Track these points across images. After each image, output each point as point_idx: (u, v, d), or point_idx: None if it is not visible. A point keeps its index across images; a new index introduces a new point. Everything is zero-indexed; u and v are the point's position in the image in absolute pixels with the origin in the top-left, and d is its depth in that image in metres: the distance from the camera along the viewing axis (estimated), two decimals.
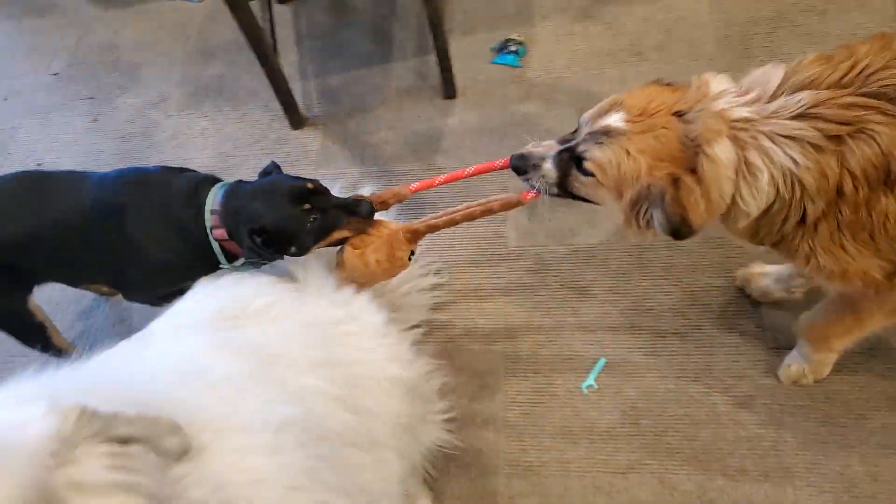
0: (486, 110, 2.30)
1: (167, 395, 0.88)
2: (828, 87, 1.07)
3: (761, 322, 1.76)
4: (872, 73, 1.05)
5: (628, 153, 1.17)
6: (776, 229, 1.18)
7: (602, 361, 1.78)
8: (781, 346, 1.70)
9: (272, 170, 1.46)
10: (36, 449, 0.61)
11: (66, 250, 1.51)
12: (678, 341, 1.77)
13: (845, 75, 1.07)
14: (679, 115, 1.17)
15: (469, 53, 2.42)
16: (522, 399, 1.77)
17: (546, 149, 1.33)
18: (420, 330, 1.69)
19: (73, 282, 1.78)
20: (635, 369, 1.76)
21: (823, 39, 2.17)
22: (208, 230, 1.40)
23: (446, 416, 1.57)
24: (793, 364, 1.65)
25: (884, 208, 1.07)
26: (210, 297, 1.29)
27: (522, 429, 1.73)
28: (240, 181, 1.47)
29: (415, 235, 1.47)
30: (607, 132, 1.20)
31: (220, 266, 1.45)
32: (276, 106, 2.36)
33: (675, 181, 1.14)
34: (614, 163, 1.19)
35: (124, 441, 0.68)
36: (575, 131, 1.30)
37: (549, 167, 1.32)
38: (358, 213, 1.42)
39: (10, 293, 1.65)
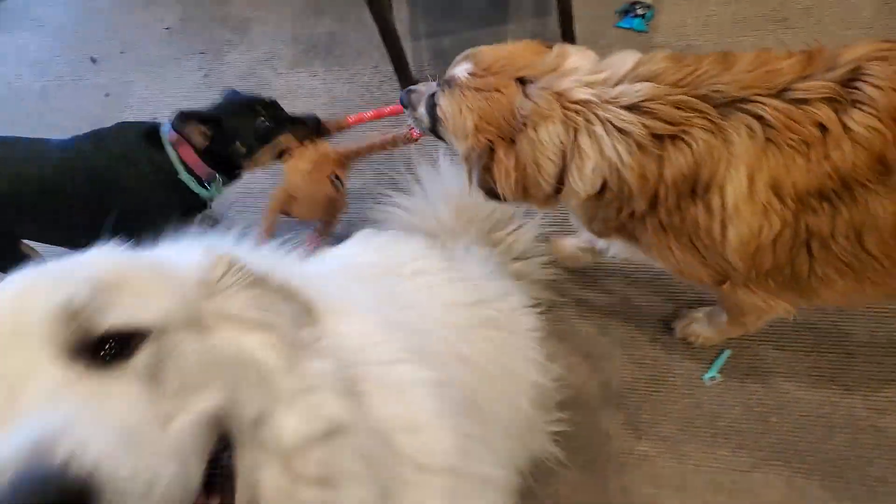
0: None
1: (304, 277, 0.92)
2: (667, 84, 1.07)
3: None
4: (708, 79, 1.05)
5: (460, 109, 1.19)
6: (613, 215, 1.18)
7: (727, 353, 1.67)
8: None
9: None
10: (188, 275, 0.69)
11: (43, 210, 1.66)
12: (813, 337, 1.65)
13: (685, 77, 1.07)
14: (523, 81, 1.16)
15: (591, 16, 2.28)
16: (640, 385, 1.69)
17: (427, 89, 1.36)
18: (539, 308, 1.63)
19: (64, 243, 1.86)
20: (763, 363, 1.65)
21: None
22: (165, 142, 1.62)
23: (558, 429, 1.52)
24: (695, 323, 1.64)
25: (693, 216, 1.08)
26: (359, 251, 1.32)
27: (638, 416, 1.66)
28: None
29: (339, 158, 1.66)
30: (450, 82, 1.23)
31: (189, 191, 1.66)
32: (387, 67, 2.30)
33: (491, 151, 1.17)
34: (451, 114, 1.22)
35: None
36: None
37: (422, 111, 1.36)
38: (304, 123, 1.63)
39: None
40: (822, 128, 0.97)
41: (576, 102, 1.10)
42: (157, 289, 0.64)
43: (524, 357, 1.27)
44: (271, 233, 1.68)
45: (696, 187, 1.05)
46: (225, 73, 2.60)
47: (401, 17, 2.49)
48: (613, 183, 1.10)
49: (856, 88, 0.97)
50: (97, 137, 1.69)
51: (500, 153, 1.16)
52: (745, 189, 1.02)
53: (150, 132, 1.65)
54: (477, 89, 1.17)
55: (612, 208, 1.16)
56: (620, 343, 1.76)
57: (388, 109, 1.86)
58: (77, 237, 1.84)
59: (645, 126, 1.05)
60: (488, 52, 1.22)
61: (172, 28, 2.81)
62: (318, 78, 2.47)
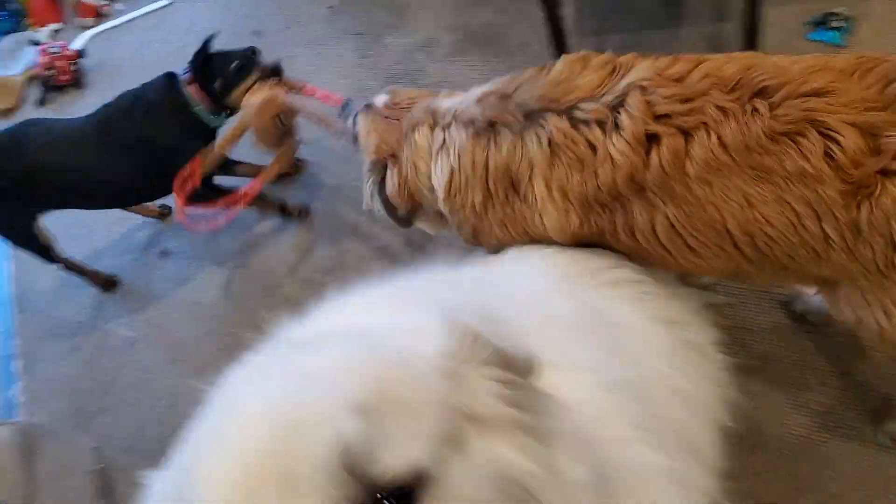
0: None
1: (514, 320, 0.82)
2: (499, 91, 1.22)
3: None
4: (523, 88, 1.19)
5: (368, 130, 1.43)
6: (465, 215, 1.29)
7: None
8: None
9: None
10: (430, 363, 0.57)
11: (76, 176, 2.06)
12: None
13: (510, 86, 1.21)
14: None
15: (778, 25, 2.09)
16: (803, 432, 1.53)
17: (358, 107, 1.54)
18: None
19: (90, 205, 2.27)
20: None
21: None
22: (182, 84, 2.03)
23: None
24: None
25: (520, 209, 1.21)
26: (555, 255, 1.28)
27: (797, 467, 1.50)
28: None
29: (285, 104, 1.93)
30: (368, 106, 1.46)
31: (203, 124, 2.06)
32: (547, 62, 2.23)
33: (385, 165, 1.38)
34: (363, 133, 1.45)
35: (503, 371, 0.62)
36: None
37: (350, 122, 1.53)
38: (267, 67, 2.03)
39: (20, 218, 2.16)
40: (593, 147, 1.10)
41: (442, 111, 1.29)
42: (416, 399, 0.54)
43: (712, 376, 1.18)
44: (225, 150, 2.03)
45: (515, 183, 1.19)
46: (382, 56, 2.62)
47: (566, 13, 2.40)
48: (458, 170, 1.24)
49: (618, 114, 1.08)
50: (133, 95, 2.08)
51: (391, 166, 1.38)
52: (545, 191, 1.17)
53: (170, 76, 2.05)
54: (385, 117, 1.41)
55: (458, 202, 1.28)
56: (783, 382, 1.60)
57: (335, 97, 1.98)
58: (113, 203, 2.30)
59: (483, 113, 1.20)
60: (403, 91, 1.46)
61: (335, 7, 2.87)
62: (475, 69, 2.44)
